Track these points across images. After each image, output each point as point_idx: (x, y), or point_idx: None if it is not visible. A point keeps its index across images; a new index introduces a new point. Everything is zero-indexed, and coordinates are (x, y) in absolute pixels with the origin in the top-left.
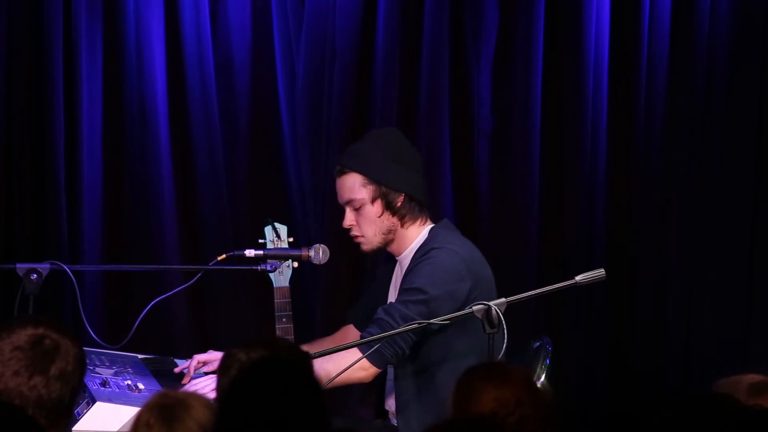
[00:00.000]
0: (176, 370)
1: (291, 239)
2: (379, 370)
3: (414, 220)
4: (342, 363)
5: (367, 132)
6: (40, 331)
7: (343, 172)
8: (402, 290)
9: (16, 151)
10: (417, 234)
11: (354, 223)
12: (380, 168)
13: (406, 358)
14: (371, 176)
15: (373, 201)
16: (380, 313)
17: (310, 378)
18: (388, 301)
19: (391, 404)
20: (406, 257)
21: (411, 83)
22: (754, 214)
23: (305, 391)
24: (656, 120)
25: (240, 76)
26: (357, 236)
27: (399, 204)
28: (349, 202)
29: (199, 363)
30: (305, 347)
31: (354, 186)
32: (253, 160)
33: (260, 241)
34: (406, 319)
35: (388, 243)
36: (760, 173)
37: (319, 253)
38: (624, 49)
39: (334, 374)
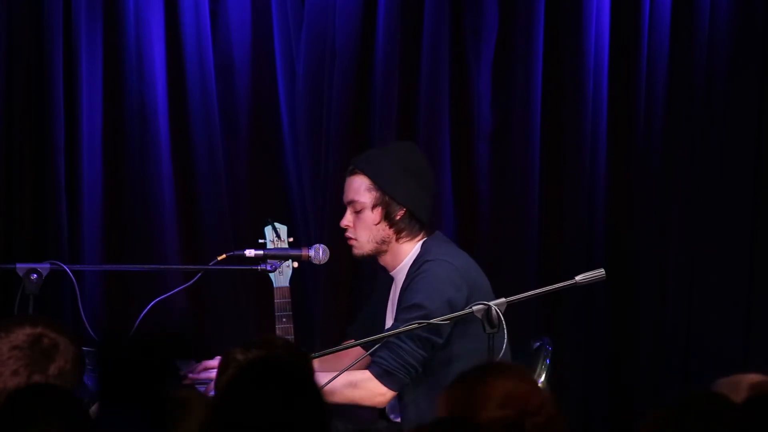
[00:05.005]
0: (191, 376)
1: (291, 239)
2: (396, 393)
3: (410, 237)
4: (358, 389)
5: (389, 142)
6: (38, 330)
7: (353, 172)
8: (401, 309)
9: (16, 151)
10: (410, 249)
11: (351, 224)
12: (389, 177)
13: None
14: (378, 182)
15: (373, 208)
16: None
17: (307, 378)
18: (386, 318)
19: (393, 413)
20: (399, 272)
21: (411, 83)
22: (754, 214)
23: (302, 391)
24: (656, 120)
25: (240, 76)
26: (350, 238)
27: (398, 217)
28: (351, 203)
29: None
30: (317, 362)
31: (360, 188)
32: (253, 160)
33: (260, 241)
34: (412, 338)
35: (380, 253)
36: (760, 173)
37: (319, 253)
38: (624, 49)
39: (351, 399)
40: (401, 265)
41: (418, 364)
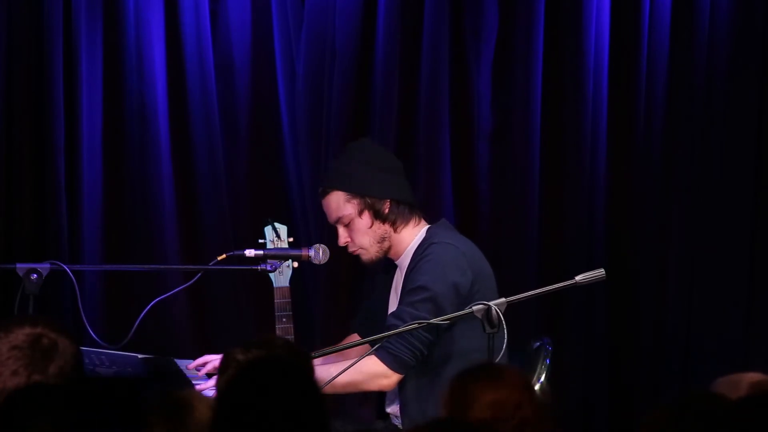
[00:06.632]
0: (189, 366)
1: (291, 239)
2: (402, 376)
3: (406, 223)
4: (363, 373)
5: (342, 148)
6: (38, 330)
7: (326, 193)
8: (407, 291)
9: (16, 151)
10: (413, 235)
11: (348, 239)
12: (359, 180)
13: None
14: (353, 191)
15: (360, 214)
16: (391, 319)
17: (307, 378)
18: (389, 307)
19: (393, 407)
20: (405, 258)
21: (411, 83)
22: (754, 214)
23: (302, 391)
24: (656, 120)
25: (240, 76)
26: (355, 250)
27: (387, 210)
28: (338, 220)
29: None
30: (318, 360)
31: (339, 204)
32: (253, 160)
33: (260, 241)
34: (419, 320)
35: (386, 250)
36: (760, 173)
37: (319, 253)
38: (624, 49)
39: (354, 382)
40: (406, 251)
41: (424, 347)
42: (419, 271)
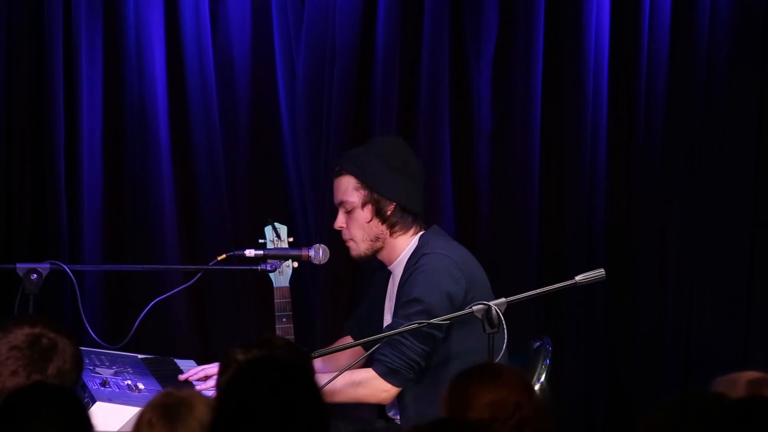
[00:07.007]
0: (181, 377)
1: (291, 239)
2: (400, 389)
3: (405, 231)
4: (362, 387)
5: (371, 137)
6: (37, 330)
7: (339, 173)
8: (401, 304)
9: (16, 151)
10: (407, 243)
11: (344, 225)
12: (374, 174)
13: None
14: (364, 181)
15: (363, 206)
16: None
17: (307, 378)
18: (384, 313)
19: (393, 410)
20: (397, 266)
21: (411, 83)
22: (753, 215)
23: (302, 391)
24: (656, 120)
25: (240, 76)
26: (347, 239)
27: (389, 212)
28: (342, 204)
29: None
30: (319, 361)
31: (347, 188)
32: (253, 160)
33: (260, 241)
34: (413, 334)
35: (376, 250)
36: (760, 173)
37: (319, 253)
38: (624, 49)
39: (352, 396)
40: (399, 259)
41: (421, 359)
42: (412, 283)
